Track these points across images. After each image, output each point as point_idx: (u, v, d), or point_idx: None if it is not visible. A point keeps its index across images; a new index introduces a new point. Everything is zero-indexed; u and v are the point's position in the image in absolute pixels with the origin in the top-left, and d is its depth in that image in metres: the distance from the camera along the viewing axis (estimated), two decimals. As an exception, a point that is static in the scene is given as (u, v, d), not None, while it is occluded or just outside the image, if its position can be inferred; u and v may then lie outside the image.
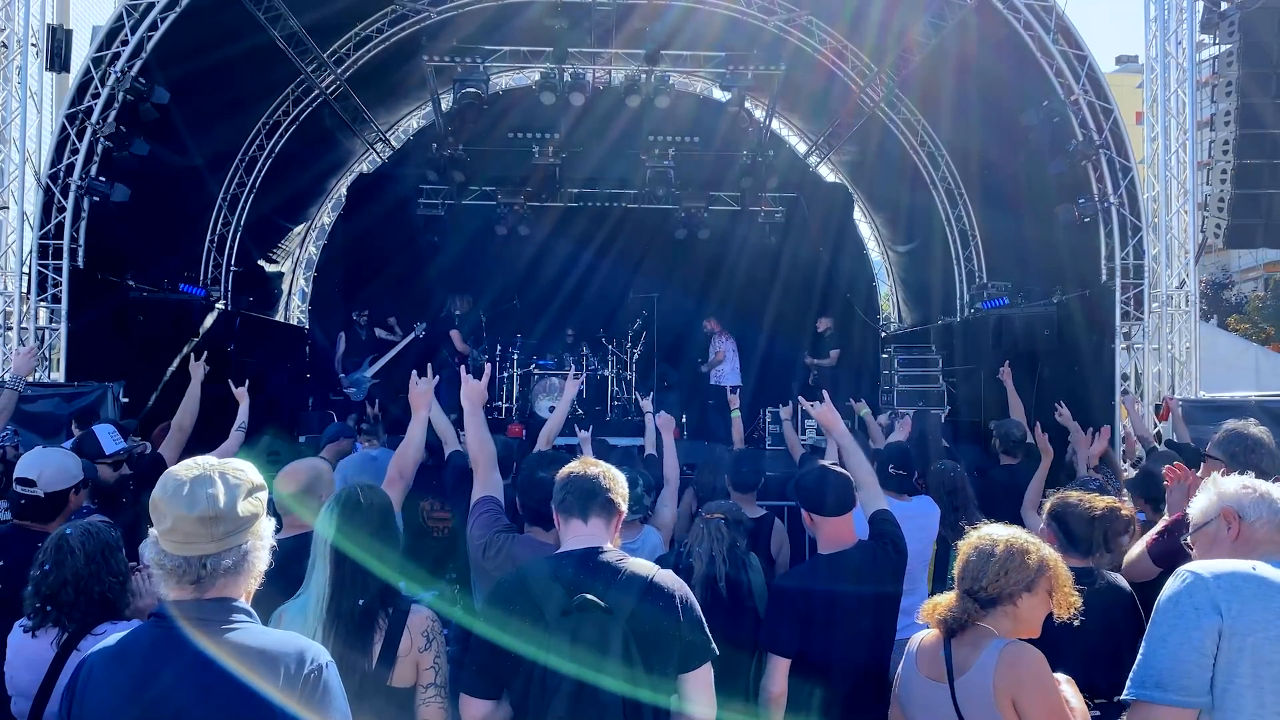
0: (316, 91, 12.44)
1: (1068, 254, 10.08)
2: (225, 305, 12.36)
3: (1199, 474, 3.83)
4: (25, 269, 8.68)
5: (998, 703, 2.48)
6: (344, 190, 15.10)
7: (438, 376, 4.35)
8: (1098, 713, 2.67)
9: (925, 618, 2.73)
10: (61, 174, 8.67)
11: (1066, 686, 2.59)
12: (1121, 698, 2.30)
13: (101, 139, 8.66)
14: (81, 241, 8.85)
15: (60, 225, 8.67)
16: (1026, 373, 10.32)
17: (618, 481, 2.83)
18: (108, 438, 4.59)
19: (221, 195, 12.32)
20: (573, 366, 12.56)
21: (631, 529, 4.23)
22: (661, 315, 14.09)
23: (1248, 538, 2.45)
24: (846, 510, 3.48)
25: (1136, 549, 3.57)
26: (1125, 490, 5.00)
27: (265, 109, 12.38)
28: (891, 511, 3.59)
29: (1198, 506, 2.60)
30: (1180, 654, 2.18)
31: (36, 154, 8.88)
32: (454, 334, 12.29)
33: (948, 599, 2.70)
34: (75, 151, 8.65)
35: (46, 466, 3.61)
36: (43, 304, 8.72)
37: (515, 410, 12.63)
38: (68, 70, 8.99)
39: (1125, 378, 9.21)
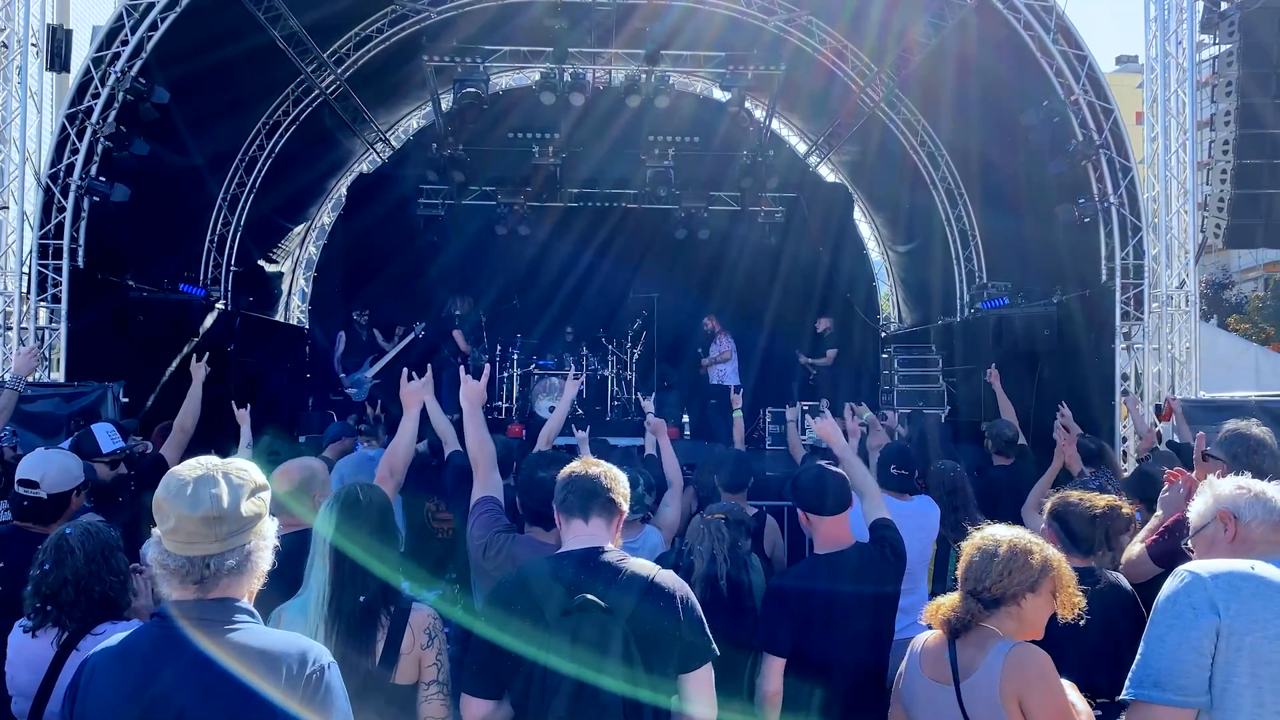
0: (316, 91, 12.44)
1: (1068, 254, 10.09)
2: (225, 305, 12.36)
3: (1196, 475, 3.85)
4: (25, 269, 8.68)
5: (1004, 705, 2.48)
6: (344, 190, 15.11)
7: (433, 375, 4.35)
8: (1099, 712, 2.66)
9: (929, 619, 2.73)
10: (61, 174, 8.67)
11: (1069, 689, 2.59)
12: (1120, 697, 2.30)
13: (101, 139, 8.66)
14: (81, 241, 8.85)
15: (60, 225, 8.67)
16: (1026, 373, 10.32)
17: (619, 481, 2.83)
18: (105, 437, 4.59)
19: (221, 195, 12.32)
20: (573, 366, 12.55)
21: (632, 528, 4.22)
22: (661, 315, 14.09)
23: (1244, 538, 2.46)
24: (843, 510, 3.49)
25: (1136, 549, 3.57)
26: (1121, 491, 5.00)
27: (265, 109, 12.38)
28: (892, 519, 3.59)
29: (1195, 510, 2.61)
30: (1178, 654, 2.19)
31: (36, 154, 8.88)
32: (456, 334, 12.29)
33: (951, 600, 2.69)
34: (75, 151, 8.65)
35: (49, 468, 3.60)
36: (43, 304, 8.72)
37: (515, 410, 12.63)
38: (68, 70, 8.99)
39: (1125, 378, 9.21)
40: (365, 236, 13.92)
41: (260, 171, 12.63)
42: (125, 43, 8.65)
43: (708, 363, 13.03)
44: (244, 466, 2.05)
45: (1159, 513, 3.76)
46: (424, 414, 4.29)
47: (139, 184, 9.17)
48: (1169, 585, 2.30)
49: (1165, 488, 3.78)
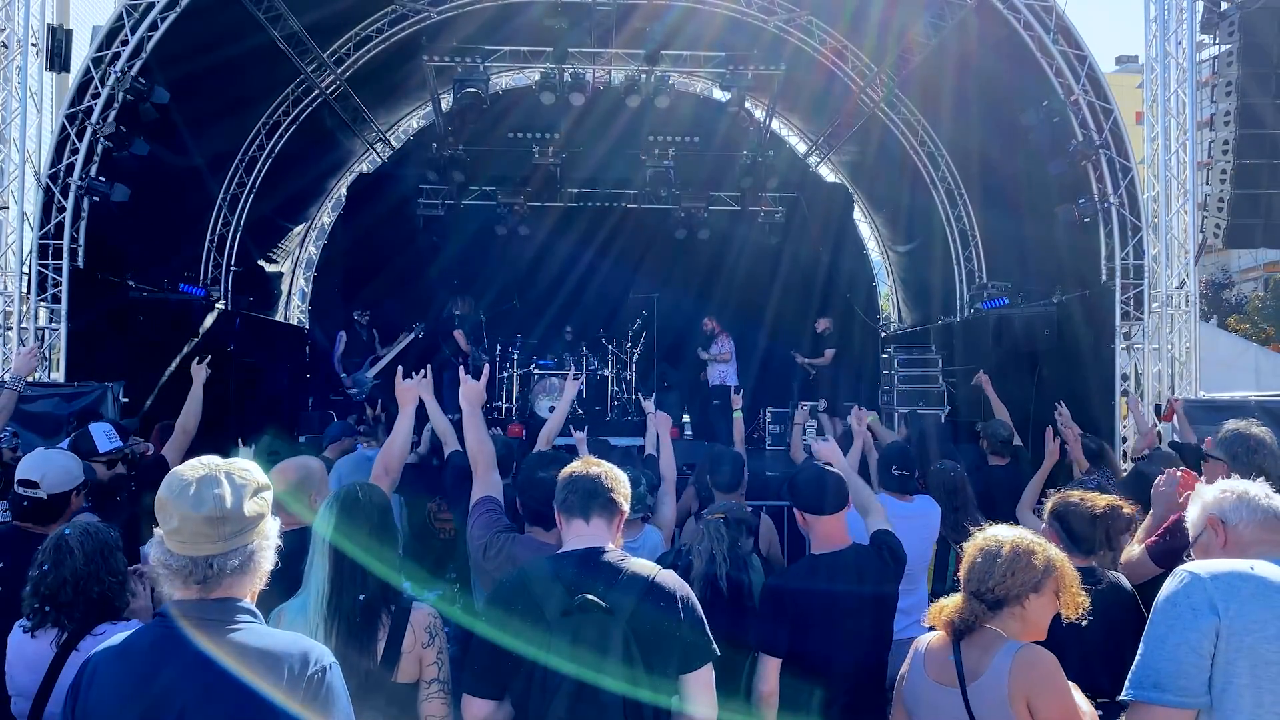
0: (316, 91, 12.44)
1: (1068, 254, 10.08)
2: (225, 305, 12.35)
3: (1197, 475, 3.85)
4: (25, 269, 8.67)
5: (1013, 707, 2.47)
6: (344, 190, 15.10)
7: (427, 374, 4.36)
8: (1100, 712, 2.66)
9: (932, 620, 2.72)
10: (61, 174, 8.67)
11: (1072, 690, 2.59)
12: (1120, 698, 2.30)
13: (101, 139, 8.66)
14: (81, 241, 8.84)
15: (60, 225, 8.66)
16: (1026, 373, 10.33)
17: (620, 481, 2.83)
18: (102, 436, 4.59)
19: (221, 195, 12.31)
20: (572, 366, 12.56)
21: (633, 528, 4.22)
22: (661, 315, 14.09)
23: (1236, 540, 2.46)
24: (841, 509, 3.49)
25: (1136, 551, 3.57)
26: (1117, 491, 5.00)
27: (265, 109, 12.38)
28: (892, 530, 3.59)
29: (1189, 519, 2.62)
30: (1178, 654, 2.19)
31: (36, 154, 8.88)
32: (458, 334, 12.30)
33: (955, 601, 2.68)
34: (75, 151, 8.65)
35: (49, 468, 3.60)
36: (43, 304, 8.71)
37: (515, 410, 12.63)
38: (68, 70, 8.98)
39: (1125, 378, 9.21)
40: (365, 236, 13.92)
41: (260, 171, 12.63)
42: (125, 43, 8.65)
43: (706, 357, 12.98)
44: (246, 466, 2.05)
45: (1153, 510, 3.77)
46: (424, 413, 4.29)
47: (139, 184, 9.17)
48: (1168, 586, 2.30)
49: (1160, 482, 3.79)
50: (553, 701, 2.47)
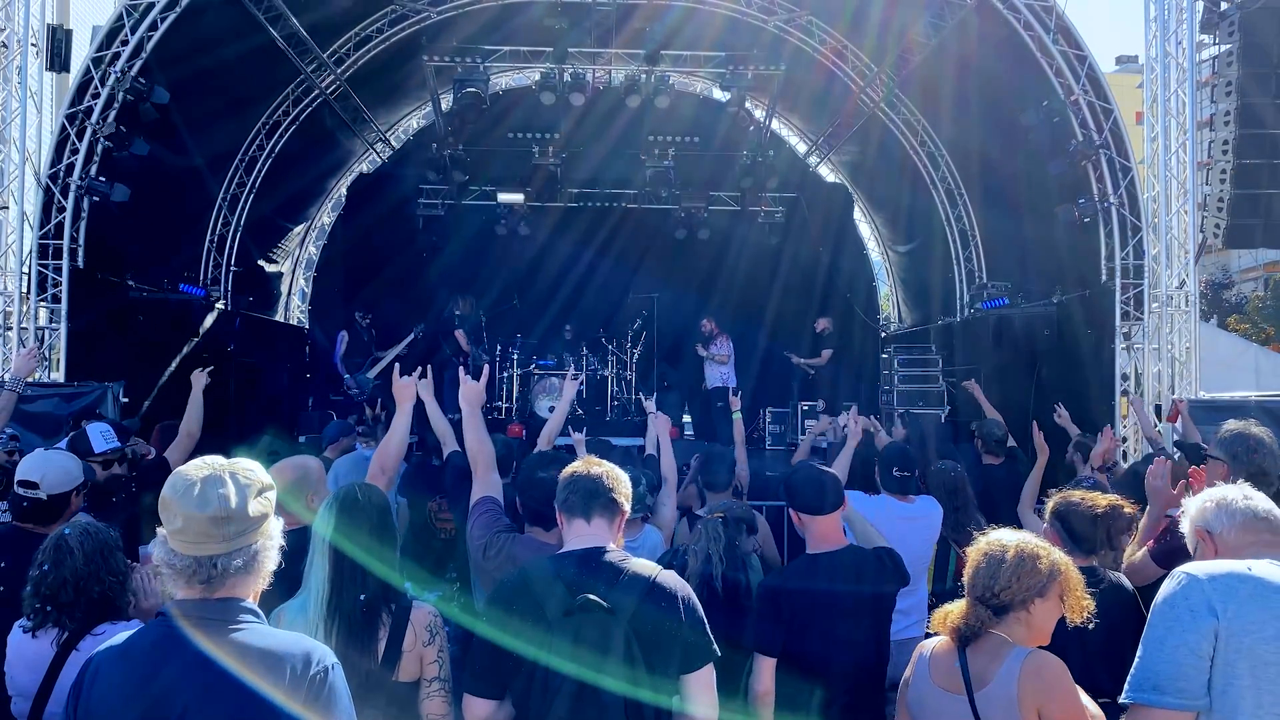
0: (316, 91, 12.44)
1: (1068, 254, 10.08)
2: (225, 305, 12.35)
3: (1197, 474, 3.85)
4: (25, 269, 8.67)
5: (1022, 715, 2.46)
6: (344, 190, 15.11)
7: (427, 374, 4.35)
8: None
9: (937, 627, 2.71)
10: (61, 174, 8.66)
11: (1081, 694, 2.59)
12: (1120, 700, 2.29)
13: (101, 139, 8.65)
14: (81, 241, 8.84)
15: (60, 225, 8.66)
16: (1026, 373, 10.33)
17: (621, 481, 2.83)
18: (98, 436, 4.59)
19: (221, 195, 12.31)
20: (572, 366, 12.56)
21: (633, 527, 4.22)
22: (661, 315, 14.09)
23: (1225, 547, 2.47)
24: (837, 508, 3.48)
25: (1139, 554, 3.57)
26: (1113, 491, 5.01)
27: (265, 109, 12.38)
28: (891, 547, 3.59)
29: (1186, 534, 2.62)
30: (1177, 656, 2.18)
31: (36, 154, 8.87)
32: (459, 334, 12.30)
33: (959, 607, 2.67)
34: (75, 151, 8.64)
35: (49, 469, 3.60)
36: (43, 304, 8.71)
37: (515, 410, 12.63)
38: (68, 70, 8.98)
39: (1125, 378, 9.21)
40: (365, 236, 13.92)
41: (260, 171, 12.62)
42: (125, 43, 8.65)
43: (704, 354, 12.92)
44: (250, 466, 2.06)
45: (1150, 507, 3.77)
46: (424, 414, 4.29)
47: (139, 184, 9.16)
48: (1166, 587, 2.30)
49: (1152, 476, 3.78)
50: (554, 701, 2.47)
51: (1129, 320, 9.26)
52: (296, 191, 14.07)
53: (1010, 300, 11.16)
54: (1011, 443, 6.79)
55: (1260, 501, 2.52)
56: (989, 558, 2.65)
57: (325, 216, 16.12)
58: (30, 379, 6.42)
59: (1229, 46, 9.06)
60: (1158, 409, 8.85)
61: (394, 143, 15.71)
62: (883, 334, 15.51)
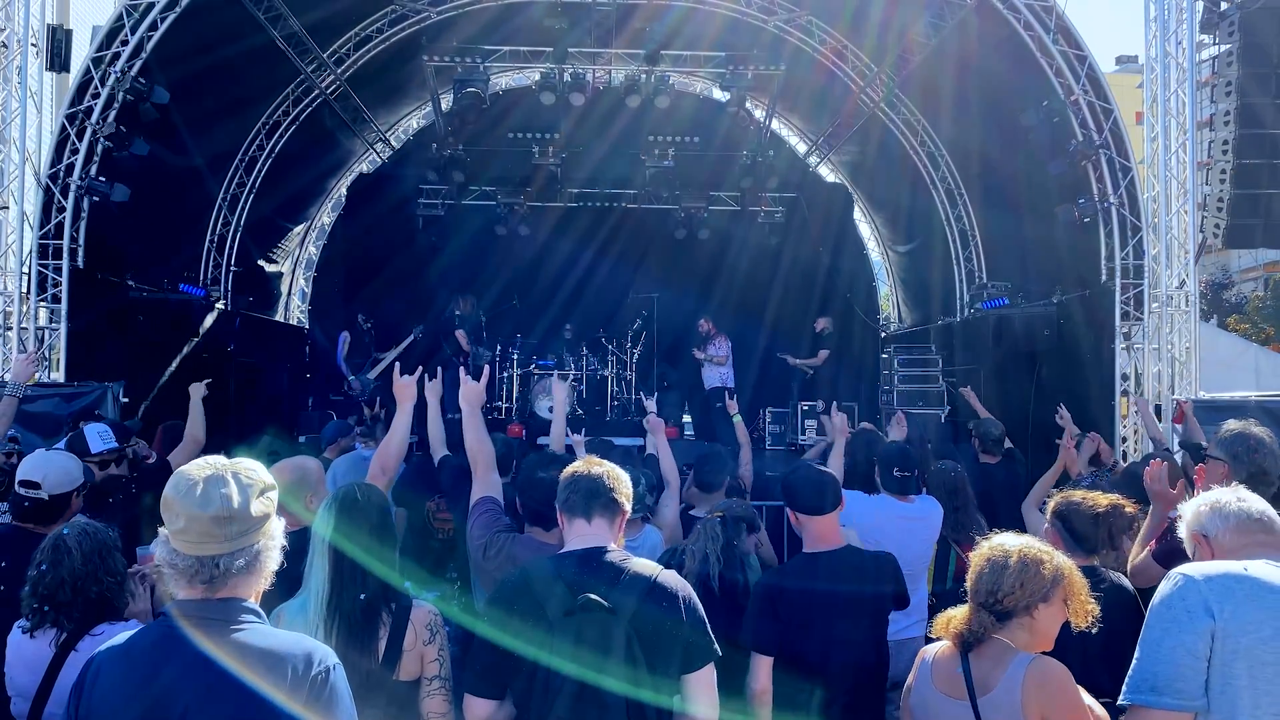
0: (316, 91, 12.44)
1: (1068, 254, 10.08)
2: (225, 305, 12.35)
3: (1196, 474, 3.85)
4: (25, 269, 8.67)
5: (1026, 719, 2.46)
6: (344, 190, 15.10)
7: (438, 376, 4.35)
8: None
9: (939, 631, 2.70)
10: (61, 174, 8.66)
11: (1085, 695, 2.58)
12: (1119, 702, 2.29)
13: (101, 139, 8.65)
14: (81, 241, 8.84)
15: (60, 225, 8.66)
16: (1026, 373, 10.33)
17: (621, 481, 2.83)
18: (95, 437, 4.59)
19: (221, 195, 12.31)
20: (571, 366, 12.56)
21: (633, 527, 4.22)
22: (661, 315, 14.09)
23: (1221, 550, 2.46)
24: (836, 508, 3.48)
25: (1141, 556, 3.56)
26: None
27: (265, 109, 12.38)
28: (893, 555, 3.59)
29: (1183, 539, 2.62)
30: (1174, 657, 2.19)
31: (36, 154, 8.87)
32: (460, 334, 12.30)
33: (962, 613, 2.66)
34: (75, 151, 8.64)
35: (50, 469, 3.61)
36: (43, 304, 8.71)
37: (515, 410, 12.63)
38: (68, 70, 8.98)
39: (1125, 378, 9.21)
40: (365, 236, 13.92)
41: (260, 171, 12.62)
42: (125, 43, 8.65)
43: (701, 356, 12.90)
44: (252, 466, 2.06)
45: (1152, 509, 3.76)
46: (424, 414, 4.29)
47: (139, 184, 9.16)
48: (1163, 588, 2.30)
49: (1150, 477, 3.78)
50: (555, 701, 2.46)
51: (1129, 320, 9.26)
52: (296, 191, 14.07)
53: (1010, 300, 11.16)
54: (1009, 443, 6.79)
55: (1254, 503, 2.52)
56: (992, 563, 2.63)
57: (325, 216, 16.12)
58: (30, 381, 6.41)
59: (1229, 46, 9.06)
60: (1157, 409, 8.85)
61: (394, 143, 15.70)
62: (882, 334, 15.51)
